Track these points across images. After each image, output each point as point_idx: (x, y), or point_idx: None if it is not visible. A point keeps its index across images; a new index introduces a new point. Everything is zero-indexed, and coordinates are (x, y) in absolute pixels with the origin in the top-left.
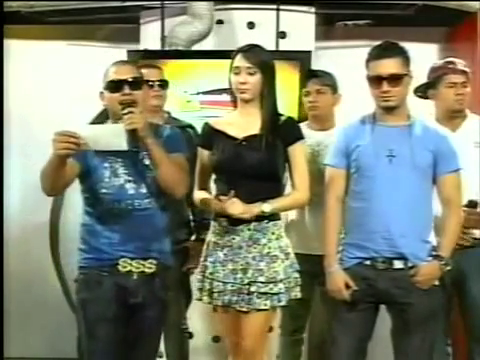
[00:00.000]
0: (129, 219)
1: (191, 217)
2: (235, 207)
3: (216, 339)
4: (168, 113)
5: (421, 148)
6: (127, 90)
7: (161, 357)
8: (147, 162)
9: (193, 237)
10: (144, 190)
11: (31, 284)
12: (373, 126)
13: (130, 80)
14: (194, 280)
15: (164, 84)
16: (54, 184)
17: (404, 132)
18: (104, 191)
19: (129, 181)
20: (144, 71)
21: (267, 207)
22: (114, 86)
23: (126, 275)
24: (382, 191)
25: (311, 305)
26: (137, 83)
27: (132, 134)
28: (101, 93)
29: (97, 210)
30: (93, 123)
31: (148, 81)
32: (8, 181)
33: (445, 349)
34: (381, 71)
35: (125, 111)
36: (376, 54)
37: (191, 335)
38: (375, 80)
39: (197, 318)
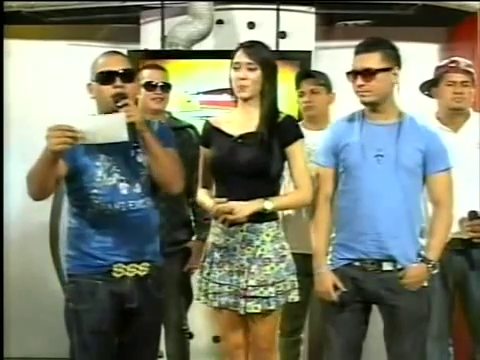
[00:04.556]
0: (123, 221)
1: (192, 217)
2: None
3: (216, 339)
4: (169, 113)
5: (410, 147)
6: (119, 82)
7: (161, 357)
8: (140, 160)
9: (194, 237)
10: (138, 190)
11: (31, 284)
12: (362, 124)
13: (122, 72)
14: (195, 280)
15: (166, 87)
16: (44, 186)
17: (393, 131)
18: (96, 192)
19: (122, 180)
20: (147, 71)
21: (269, 204)
22: (105, 78)
23: (120, 281)
24: (370, 191)
25: (308, 305)
26: (129, 75)
27: (130, 128)
28: (89, 85)
29: (87, 212)
30: None
31: (150, 82)
32: (8, 181)
33: (447, 349)
34: (356, 65)
35: (120, 103)
36: (356, 50)
37: (191, 335)
38: (351, 75)
39: (198, 318)
